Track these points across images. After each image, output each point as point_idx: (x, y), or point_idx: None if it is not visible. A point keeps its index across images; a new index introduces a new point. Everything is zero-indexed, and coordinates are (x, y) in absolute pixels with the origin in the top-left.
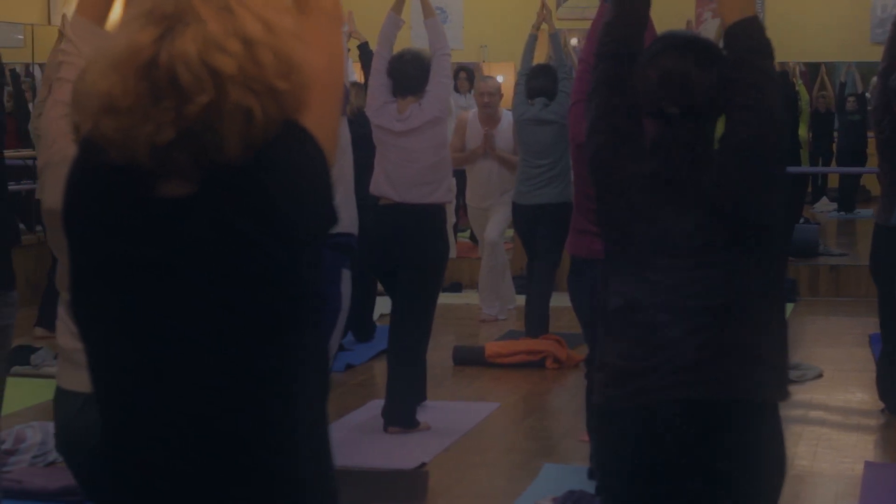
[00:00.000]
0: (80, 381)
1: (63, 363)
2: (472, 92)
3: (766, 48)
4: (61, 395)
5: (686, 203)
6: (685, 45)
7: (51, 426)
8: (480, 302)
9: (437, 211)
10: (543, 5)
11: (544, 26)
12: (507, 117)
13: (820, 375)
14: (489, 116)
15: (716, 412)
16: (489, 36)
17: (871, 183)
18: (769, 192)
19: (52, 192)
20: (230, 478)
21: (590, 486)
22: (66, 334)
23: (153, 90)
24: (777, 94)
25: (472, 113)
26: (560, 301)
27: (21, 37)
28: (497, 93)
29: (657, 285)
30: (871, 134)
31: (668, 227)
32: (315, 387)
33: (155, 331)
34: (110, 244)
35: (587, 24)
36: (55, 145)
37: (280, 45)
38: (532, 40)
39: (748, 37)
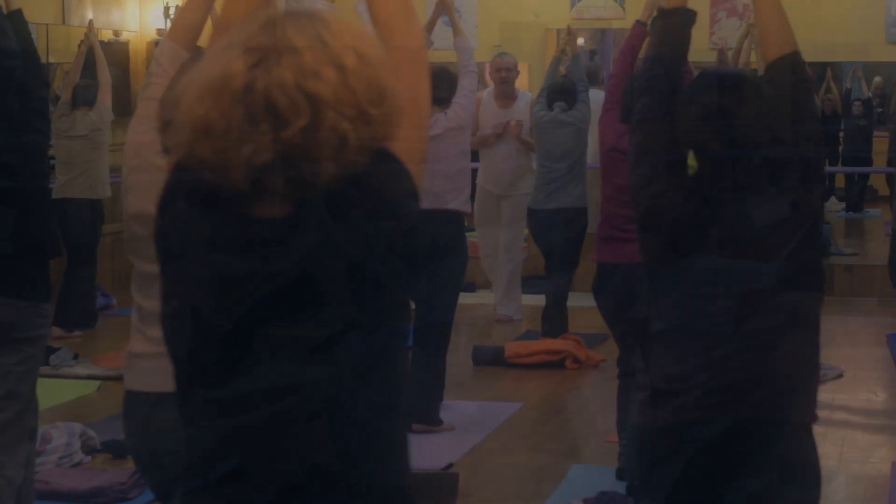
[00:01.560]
0: (148, 382)
1: (132, 366)
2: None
3: (807, 84)
4: (131, 397)
5: (725, 237)
6: (726, 81)
7: (76, 426)
8: (496, 302)
9: (455, 217)
10: (569, 31)
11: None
12: (523, 96)
13: (840, 375)
14: (506, 94)
15: (752, 433)
16: (503, 36)
17: (879, 183)
18: (807, 229)
19: (136, 196)
20: (300, 492)
21: (619, 487)
22: (140, 339)
23: (249, 115)
24: (818, 130)
25: (487, 92)
26: (577, 301)
27: (34, 36)
28: (514, 68)
29: (698, 310)
30: (877, 133)
31: (707, 258)
32: (395, 399)
33: (242, 344)
34: (204, 262)
35: (599, 24)
36: (139, 156)
37: (372, 73)
38: (556, 61)
39: (790, 72)
